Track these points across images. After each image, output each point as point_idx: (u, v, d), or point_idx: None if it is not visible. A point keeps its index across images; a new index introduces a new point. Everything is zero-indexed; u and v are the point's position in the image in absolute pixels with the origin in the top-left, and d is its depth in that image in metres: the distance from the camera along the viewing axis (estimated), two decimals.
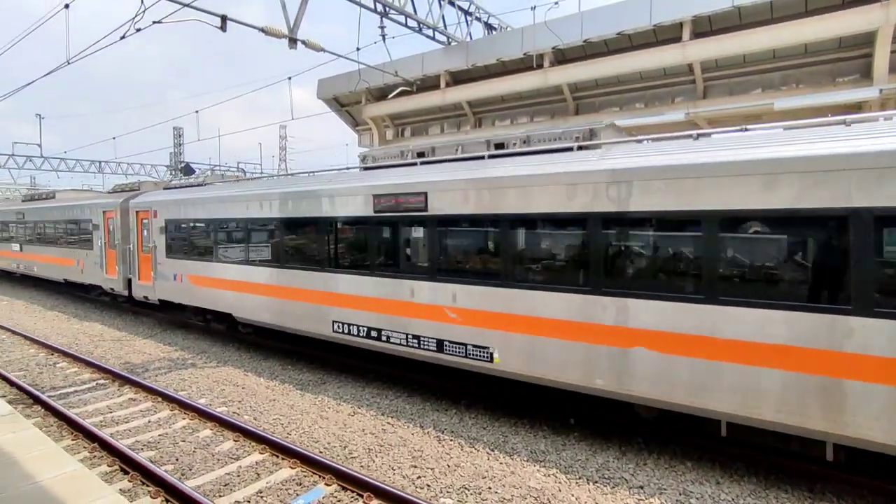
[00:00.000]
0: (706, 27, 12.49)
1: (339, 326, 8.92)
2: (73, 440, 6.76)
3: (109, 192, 17.28)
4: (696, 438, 6.39)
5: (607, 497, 5.41)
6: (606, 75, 14.22)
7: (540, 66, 14.91)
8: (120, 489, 5.51)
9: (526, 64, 15.20)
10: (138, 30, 8.60)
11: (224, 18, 9.20)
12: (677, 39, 12.67)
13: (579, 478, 5.81)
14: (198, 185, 13.35)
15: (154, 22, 8.58)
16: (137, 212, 14.22)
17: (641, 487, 5.59)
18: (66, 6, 9.73)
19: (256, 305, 10.52)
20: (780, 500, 5.31)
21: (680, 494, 5.43)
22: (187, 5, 8.55)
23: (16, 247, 22.05)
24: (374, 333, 8.40)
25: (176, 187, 14.24)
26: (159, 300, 13.54)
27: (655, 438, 6.68)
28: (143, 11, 8.49)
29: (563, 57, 14.77)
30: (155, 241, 13.37)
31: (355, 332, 8.67)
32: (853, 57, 11.73)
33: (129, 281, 14.83)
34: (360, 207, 8.54)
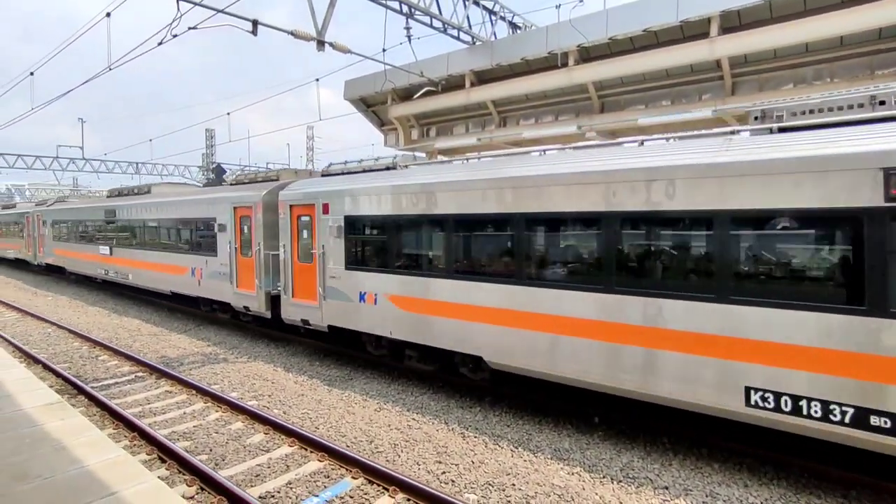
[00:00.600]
0: (735, 22, 12.22)
1: (763, 398, 5.29)
2: (114, 429, 7.10)
3: (231, 185, 13.81)
4: (723, 440, 6.32)
5: (632, 497, 5.40)
6: (632, 73, 14.05)
7: (565, 65, 14.83)
8: (158, 476, 5.77)
9: (550, 63, 15.14)
10: (174, 35, 8.95)
11: (255, 23, 9.49)
12: (705, 35, 12.43)
13: (603, 476, 5.81)
14: (384, 170, 9.71)
15: (189, 28, 8.92)
16: (292, 206, 10.73)
17: (667, 488, 5.56)
18: (108, 15, 10.20)
19: (559, 350, 6.76)
20: None
21: (706, 496, 5.38)
22: (221, 11, 8.85)
23: (104, 250, 18.74)
24: (880, 422, 4.68)
25: (344, 173, 10.58)
26: (329, 327, 10.06)
27: (681, 439, 6.62)
28: (180, 17, 8.84)
29: (588, 55, 14.65)
30: (324, 245, 9.91)
31: (816, 412, 4.99)
32: (895, 48, 11.30)
33: (274, 298, 11.52)
34: (831, 193, 4.90)
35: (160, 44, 9.05)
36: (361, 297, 9.26)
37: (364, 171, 10.16)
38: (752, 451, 6.10)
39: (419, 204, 8.28)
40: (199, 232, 13.69)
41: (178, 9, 8.91)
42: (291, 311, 10.93)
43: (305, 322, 10.61)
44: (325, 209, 9.92)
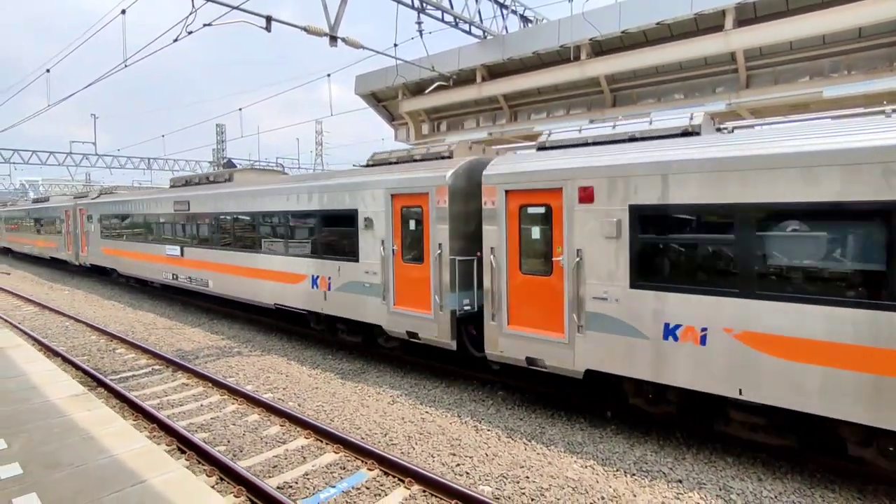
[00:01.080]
0: (750, 14, 12.10)
1: None
2: (134, 420, 7.25)
3: (367, 167, 10.36)
4: (737, 435, 6.32)
5: (645, 490, 5.44)
6: (645, 66, 13.97)
7: (577, 59, 14.77)
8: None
9: (562, 56, 15.08)
10: (189, 32, 9.03)
11: (269, 19, 9.55)
12: (719, 28, 12.32)
13: (617, 470, 5.86)
14: (679, 136, 6.50)
15: (204, 24, 8.99)
16: (510, 192, 7.55)
17: (680, 481, 5.59)
18: (123, 11, 10.30)
19: None
20: (826, 500, 5.21)
21: (720, 489, 5.41)
22: (235, 8, 8.91)
23: (172, 250, 15.58)
24: None
25: (586, 144, 7.23)
26: (586, 372, 6.82)
27: (694, 434, 6.64)
28: (194, 13, 8.92)
29: (600, 49, 14.58)
30: (580, 250, 6.76)
31: None
32: None
33: (459, 322, 8.42)
34: None
35: (175, 40, 9.13)
36: (669, 333, 6.18)
37: (631, 139, 6.84)
38: (766, 445, 6.11)
39: (847, 184, 4.92)
40: (327, 229, 10.49)
41: (193, 5, 8.99)
42: (507, 345, 7.61)
43: (533, 362, 7.35)
44: (587, 196, 6.78)
